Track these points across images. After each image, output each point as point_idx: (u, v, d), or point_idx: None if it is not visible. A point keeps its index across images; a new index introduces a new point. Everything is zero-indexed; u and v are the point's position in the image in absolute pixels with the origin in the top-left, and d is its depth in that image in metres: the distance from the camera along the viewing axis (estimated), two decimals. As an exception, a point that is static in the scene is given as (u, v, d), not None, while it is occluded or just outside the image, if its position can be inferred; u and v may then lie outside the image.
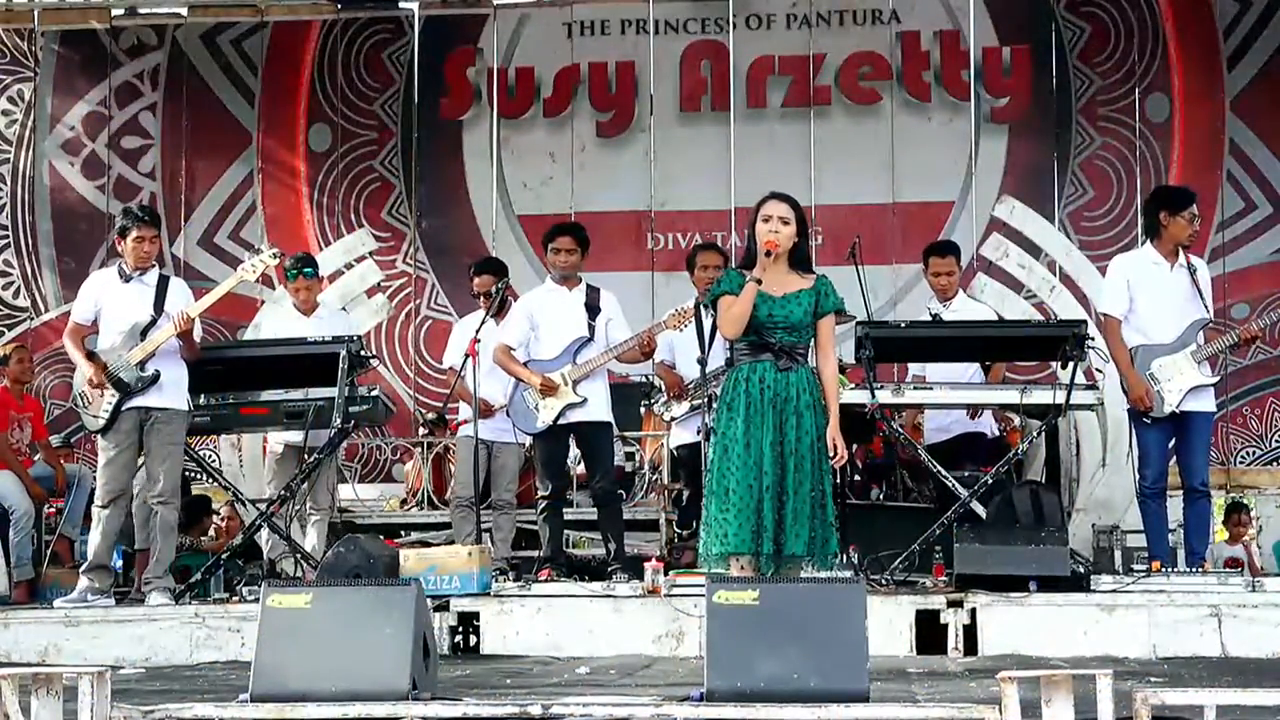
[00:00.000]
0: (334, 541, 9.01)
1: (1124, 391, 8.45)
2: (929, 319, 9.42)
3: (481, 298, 9.64)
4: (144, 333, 8.32)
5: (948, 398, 8.83)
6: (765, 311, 6.54)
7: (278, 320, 9.67)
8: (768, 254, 6.53)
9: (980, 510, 8.28)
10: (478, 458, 9.24)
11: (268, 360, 8.91)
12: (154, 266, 8.58)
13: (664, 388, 9.58)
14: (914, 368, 9.52)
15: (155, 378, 8.27)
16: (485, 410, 9.15)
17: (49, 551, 10.40)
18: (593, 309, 8.96)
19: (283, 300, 9.57)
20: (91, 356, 8.33)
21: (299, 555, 8.84)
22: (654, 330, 8.91)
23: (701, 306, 8.47)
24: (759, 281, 6.50)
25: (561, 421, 8.81)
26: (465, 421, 9.54)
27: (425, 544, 10.18)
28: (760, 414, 6.48)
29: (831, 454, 6.51)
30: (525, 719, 4.96)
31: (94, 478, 9.13)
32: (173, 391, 8.37)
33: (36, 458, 10.58)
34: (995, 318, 9.62)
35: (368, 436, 12.53)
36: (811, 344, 6.69)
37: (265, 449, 9.93)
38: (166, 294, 8.46)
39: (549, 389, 8.74)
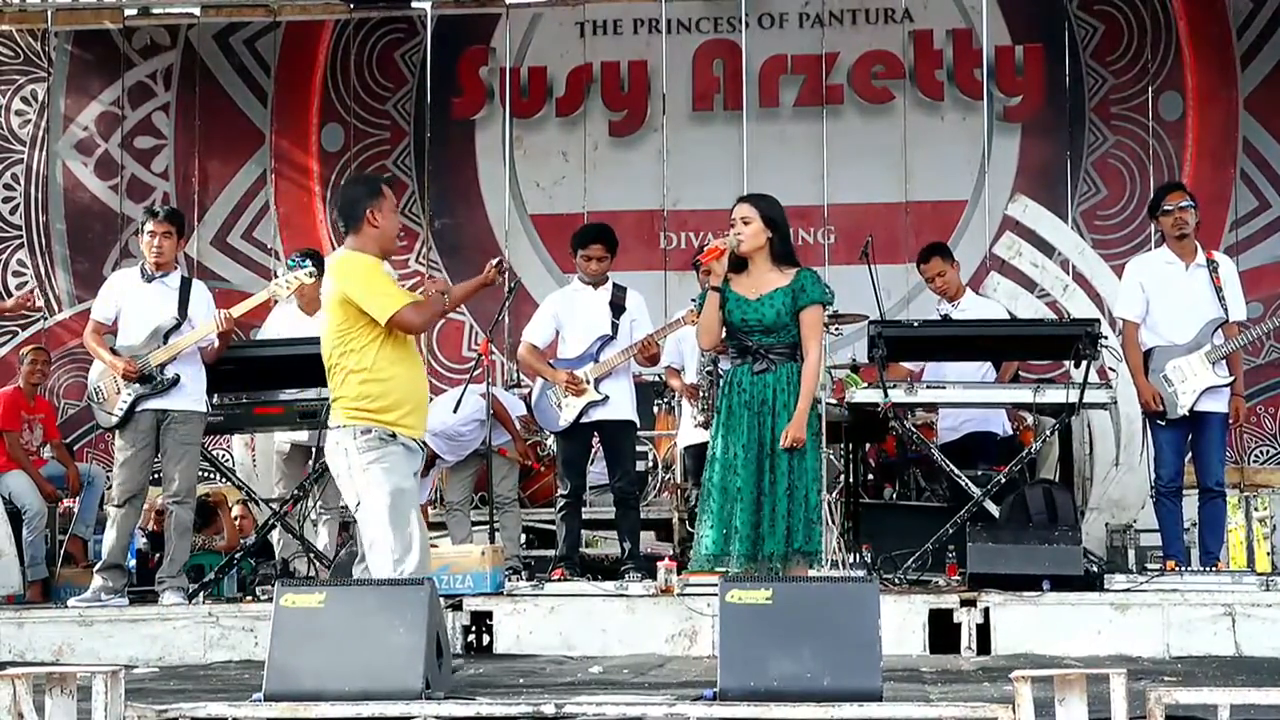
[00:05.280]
0: (346, 540, 9.03)
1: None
2: (940, 319, 9.45)
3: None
4: (166, 335, 8.34)
5: (961, 397, 8.84)
6: (739, 315, 6.62)
7: (281, 320, 9.65)
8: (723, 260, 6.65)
9: (993, 509, 8.27)
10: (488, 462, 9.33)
11: (281, 360, 8.92)
12: (176, 268, 8.63)
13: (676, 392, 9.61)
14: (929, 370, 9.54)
15: (175, 381, 8.30)
16: None
17: (63, 551, 10.43)
18: (617, 308, 8.97)
19: (291, 299, 9.58)
20: (114, 354, 8.36)
21: (312, 554, 8.85)
22: (665, 331, 8.94)
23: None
24: (719, 290, 6.58)
25: (584, 420, 8.82)
26: None
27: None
28: (737, 418, 6.55)
29: (783, 442, 6.49)
30: (538, 718, 4.97)
31: (107, 477, 9.16)
32: (191, 393, 8.39)
33: (49, 457, 10.60)
34: (1005, 312, 9.64)
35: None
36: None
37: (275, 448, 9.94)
38: (189, 297, 8.49)
39: (574, 386, 8.75)
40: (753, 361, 6.58)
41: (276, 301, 9.57)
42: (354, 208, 6.29)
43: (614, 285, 9.08)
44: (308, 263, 9.13)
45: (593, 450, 9.34)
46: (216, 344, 8.47)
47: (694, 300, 7.51)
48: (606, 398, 8.80)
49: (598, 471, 9.53)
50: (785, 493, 6.46)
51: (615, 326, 8.93)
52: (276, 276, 10.52)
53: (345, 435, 6.15)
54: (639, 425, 9.29)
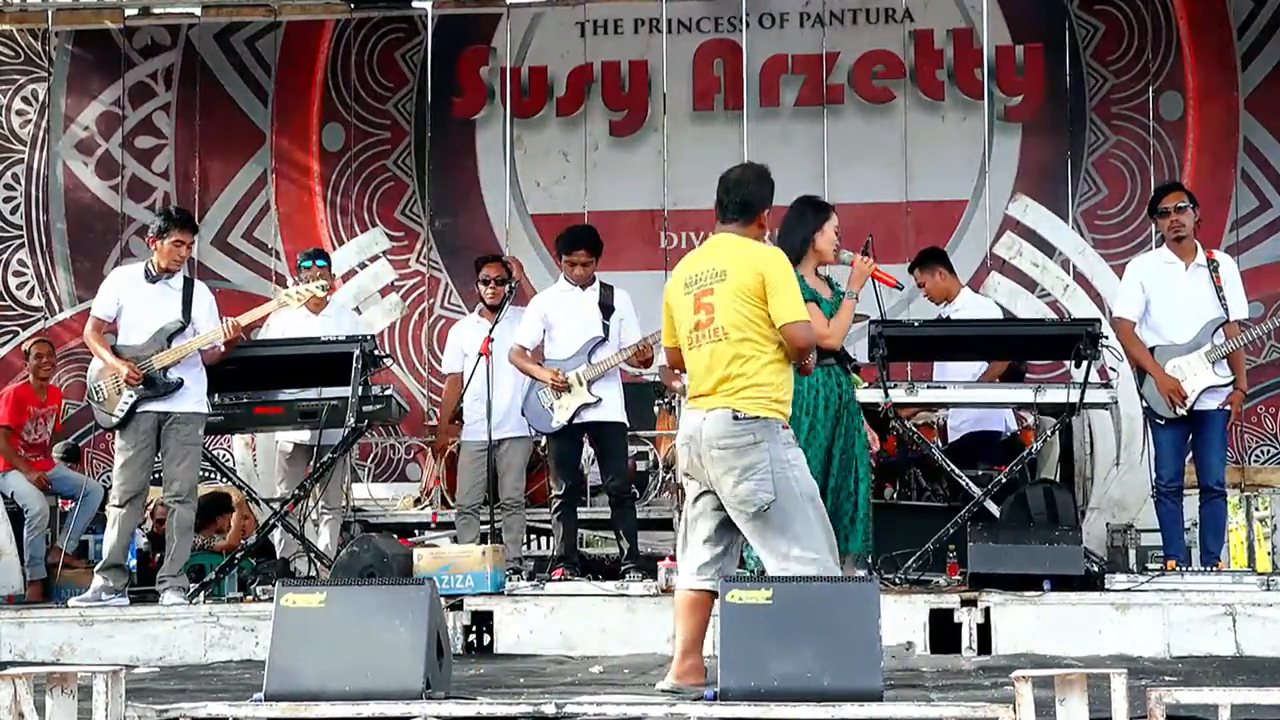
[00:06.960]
0: (347, 541, 9.04)
1: (1139, 394, 8.46)
2: (941, 318, 9.47)
3: (488, 285, 9.58)
4: (170, 338, 8.33)
5: (961, 397, 8.84)
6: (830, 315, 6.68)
7: (285, 319, 9.66)
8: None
9: (994, 509, 8.27)
10: (490, 459, 9.29)
11: (282, 360, 8.93)
12: (179, 270, 8.62)
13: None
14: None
15: (179, 384, 8.29)
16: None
17: (63, 551, 10.43)
18: (606, 308, 8.98)
19: (296, 299, 9.58)
20: (115, 353, 8.35)
21: (313, 554, 8.85)
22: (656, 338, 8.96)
23: None
24: (856, 298, 6.61)
25: (576, 421, 8.83)
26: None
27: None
28: (851, 416, 6.58)
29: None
30: (539, 718, 4.96)
31: (103, 489, 9.15)
32: (192, 395, 8.39)
33: (57, 458, 10.60)
34: (999, 310, 9.67)
35: (381, 436, 12.56)
36: None
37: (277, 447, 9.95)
38: (192, 299, 8.48)
39: (560, 385, 8.75)
40: (840, 363, 6.61)
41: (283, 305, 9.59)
42: (761, 202, 6.04)
43: (601, 285, 9.09)
44: (319, 272, 9.15)
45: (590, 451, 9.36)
46: (222, 349, 8.46)
47: None
48: (599, 400, 8.81)
49: (598, 473, 9.55)
50: (866, 490, 6.60)
51: (606, 328, 8.95)
52: (287, 283, 10.54)
53: (764, 429, 5.63)
54: (629, 426, 9.29)
